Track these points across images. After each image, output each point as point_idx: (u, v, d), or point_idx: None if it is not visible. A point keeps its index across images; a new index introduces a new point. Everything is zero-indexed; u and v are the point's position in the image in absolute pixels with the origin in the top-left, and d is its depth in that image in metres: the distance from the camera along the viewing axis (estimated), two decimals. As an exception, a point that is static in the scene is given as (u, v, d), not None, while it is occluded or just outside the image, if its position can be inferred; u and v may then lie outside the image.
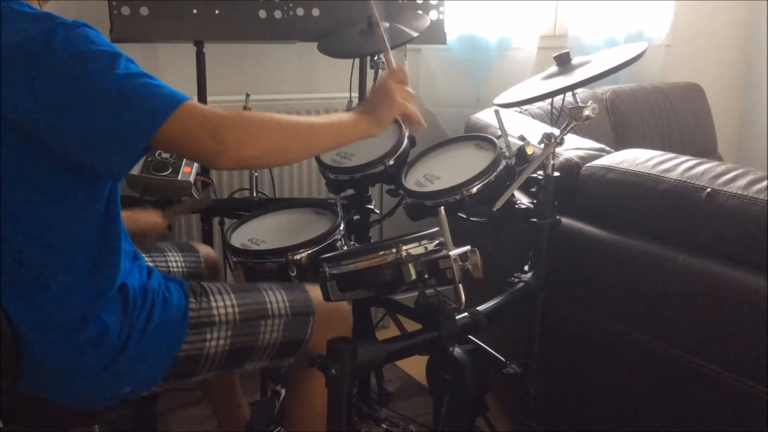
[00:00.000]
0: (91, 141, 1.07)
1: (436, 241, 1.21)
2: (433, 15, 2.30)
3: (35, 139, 1.08)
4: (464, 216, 1.58)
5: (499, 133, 1.62)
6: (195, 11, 1.98)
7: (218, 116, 1.09)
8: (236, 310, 1.34)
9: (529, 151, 1.58)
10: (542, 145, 1.54)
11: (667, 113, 3.04)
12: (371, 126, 1.28)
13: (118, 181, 1.21)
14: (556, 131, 1.52)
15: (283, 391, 1.89)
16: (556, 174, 1.56)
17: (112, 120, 1.05)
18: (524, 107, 2.44)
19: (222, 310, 1.32)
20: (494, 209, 1.49)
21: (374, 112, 1.29)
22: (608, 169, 1.63)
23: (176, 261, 1.59)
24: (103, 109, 1.05)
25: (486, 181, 1.53)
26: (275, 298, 1.39)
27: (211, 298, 1.33)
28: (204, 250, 1.70)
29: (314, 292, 1.41)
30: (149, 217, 1.68)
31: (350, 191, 1.83)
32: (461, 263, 1.14)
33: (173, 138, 1.07)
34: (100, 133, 1.06)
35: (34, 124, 1.06)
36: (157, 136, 1.06)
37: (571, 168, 1.71)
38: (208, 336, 1.30)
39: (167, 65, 2.25)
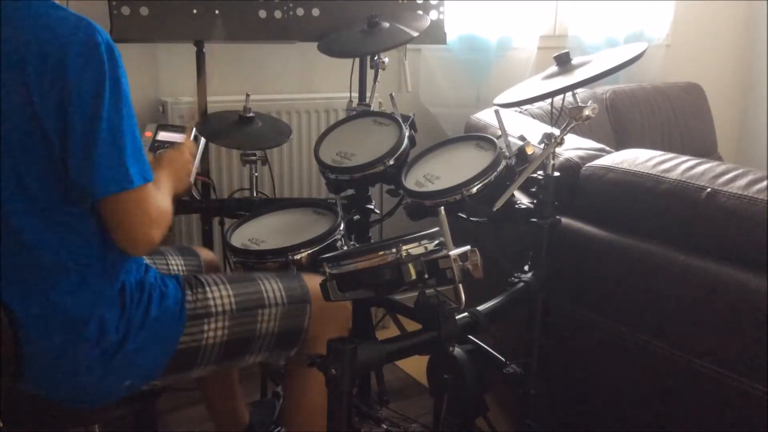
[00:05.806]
0: None
1: (436, 241, 1.21)
2: (433, 15, 2.30)
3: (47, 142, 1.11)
4: (464, 216, 1.58)
5: (499, 133, 1.62)
6: (195, 11, 1.97)
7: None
8: (232, 300, 1.35)
9: (529, 151, 1.57)
10: (542, 145, 1.53)
11: (667, 113, 3.04)
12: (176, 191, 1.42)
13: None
14: (556, 131, 1.51)
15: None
16: (556, 174, 1.56)
17: None
18: (524, 107, 2.44)
19: (218, 301, 1.34)
20: (494, 209, 1.49)
21: (176, 181, 1.42)
22: (608, 169, 1.63)
23: (177, 264, 1.59)
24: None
25: (486, 181, 1.53)
26: (271, 287, 1.40)
27: (207, 289, 1.34)
28: (204, 253, 1.70)
29: (310, 280, 1.42)
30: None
31: (350, 191, 1.83)
32: (461, 263, 1.14)
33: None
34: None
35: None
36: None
37: (571, 168, 1.70)
38: (206, 327, 1.31)
39: (167, 65, 2.25)
